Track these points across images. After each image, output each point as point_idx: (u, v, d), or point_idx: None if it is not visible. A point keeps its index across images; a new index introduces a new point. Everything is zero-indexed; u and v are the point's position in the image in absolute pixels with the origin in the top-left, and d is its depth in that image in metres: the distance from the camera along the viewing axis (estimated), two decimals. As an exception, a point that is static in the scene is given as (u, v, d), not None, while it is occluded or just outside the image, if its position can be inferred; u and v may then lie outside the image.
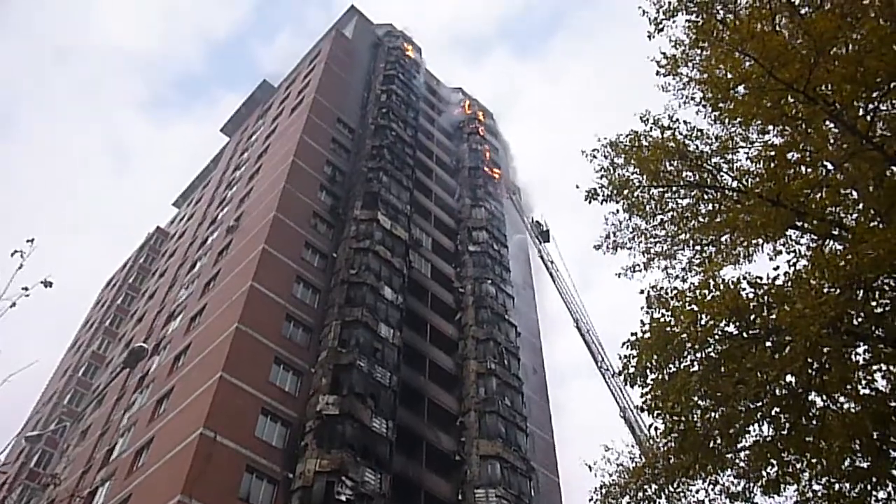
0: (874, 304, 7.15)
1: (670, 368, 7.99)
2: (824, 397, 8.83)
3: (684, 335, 7.79)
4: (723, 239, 13.62)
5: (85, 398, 57.70)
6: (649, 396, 8.08)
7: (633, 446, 14.54)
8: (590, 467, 14.43)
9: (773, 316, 7.43)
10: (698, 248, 13.73)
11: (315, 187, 47.30)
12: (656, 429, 8.44)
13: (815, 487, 10.45)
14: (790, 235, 12.72)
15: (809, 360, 7.36)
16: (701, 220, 13.18)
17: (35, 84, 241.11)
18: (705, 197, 12.81)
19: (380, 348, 37.86)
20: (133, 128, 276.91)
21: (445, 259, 51.39)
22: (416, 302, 44.58)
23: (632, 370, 8.31)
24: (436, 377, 41.91)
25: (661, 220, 13.85)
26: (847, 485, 9.50)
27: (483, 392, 42.09)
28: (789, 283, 7.86)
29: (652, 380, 8.11)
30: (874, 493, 9.21)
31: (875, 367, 9.32)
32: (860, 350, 9.51)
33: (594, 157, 13.59)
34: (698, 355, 7.91)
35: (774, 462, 10.69)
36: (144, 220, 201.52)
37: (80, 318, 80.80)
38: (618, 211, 13.99)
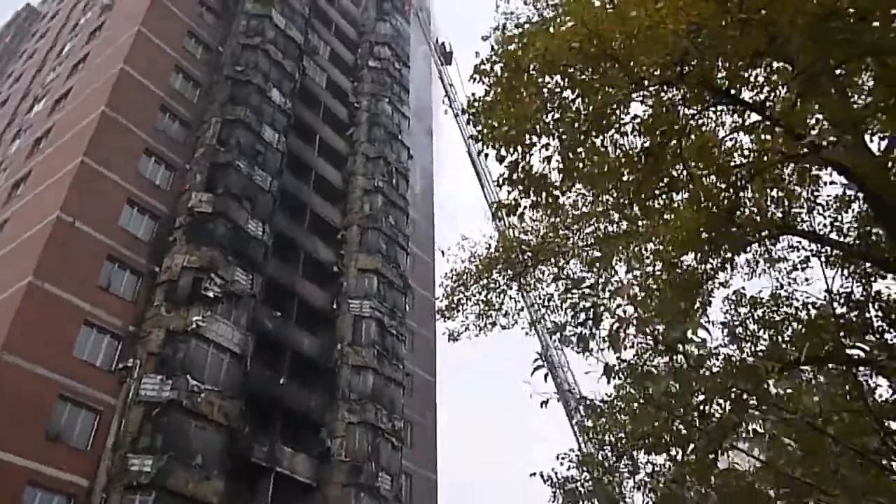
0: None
1: (513, 105, 7.10)
2: (680, 166, 8.35)
3: (535, 63, 6.85)
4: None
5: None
6: (485, 129, 7.19)
7: (492, 238, 14.12)
8: (443, 252, 14.03)
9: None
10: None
11: (204, -28, 42.69)
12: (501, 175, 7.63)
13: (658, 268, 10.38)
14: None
15: (665, 98, 6.67)
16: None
17: None
18: None
19: (262, 151, 36.06)
20: None
21: (343, 71, 48.71)
22: (306, 111, 42.41)
23: (475, 109, 7.39)
24: (320, 189, 40.81)
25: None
26: (692, 257, 9.39)
27: (368, 208, 41.56)
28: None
29: (493, 113, 7.23)
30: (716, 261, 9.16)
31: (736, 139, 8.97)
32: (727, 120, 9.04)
33: None
34: (548, 86, 7.07)
35: (621, 246, 10.45)
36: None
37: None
38: None
